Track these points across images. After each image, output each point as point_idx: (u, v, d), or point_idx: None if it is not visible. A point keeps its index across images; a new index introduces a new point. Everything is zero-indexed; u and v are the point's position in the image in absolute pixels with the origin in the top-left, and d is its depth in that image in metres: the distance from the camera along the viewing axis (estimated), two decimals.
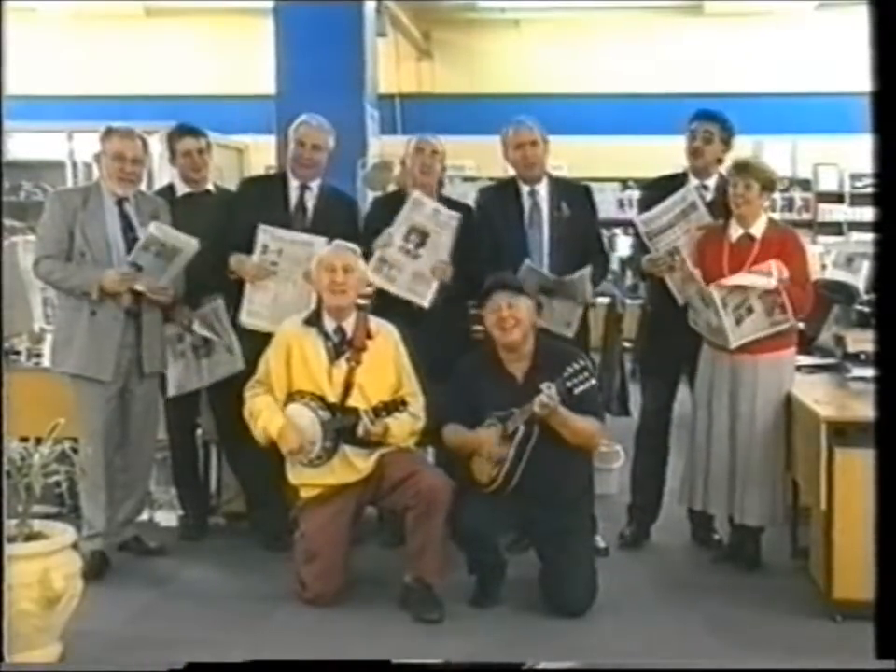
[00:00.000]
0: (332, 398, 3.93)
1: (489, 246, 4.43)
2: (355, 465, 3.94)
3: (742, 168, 4.17)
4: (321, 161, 4.59)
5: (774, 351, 4.19)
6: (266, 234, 4.41)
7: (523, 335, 3.95)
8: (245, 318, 4.46)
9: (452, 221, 4.42)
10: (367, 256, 4.27)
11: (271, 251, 4.41)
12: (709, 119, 4.53)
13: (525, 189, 4.49)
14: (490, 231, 4.48)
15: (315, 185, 4.60)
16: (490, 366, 4.01)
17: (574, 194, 4.57)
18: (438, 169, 4.59)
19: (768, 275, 4.08)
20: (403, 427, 3.97)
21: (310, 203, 4.58)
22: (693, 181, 4.53)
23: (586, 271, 4.31)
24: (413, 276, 4.42)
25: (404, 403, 3.97)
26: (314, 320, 4.05)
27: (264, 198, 4.59)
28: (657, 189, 4.59)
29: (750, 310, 4.13)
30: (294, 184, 4.59)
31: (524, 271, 4.28)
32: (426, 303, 4.41)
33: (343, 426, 3.90)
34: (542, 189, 4.49)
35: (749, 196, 4.15)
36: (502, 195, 4.60)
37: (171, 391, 4.57)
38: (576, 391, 3.78)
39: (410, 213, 4.41)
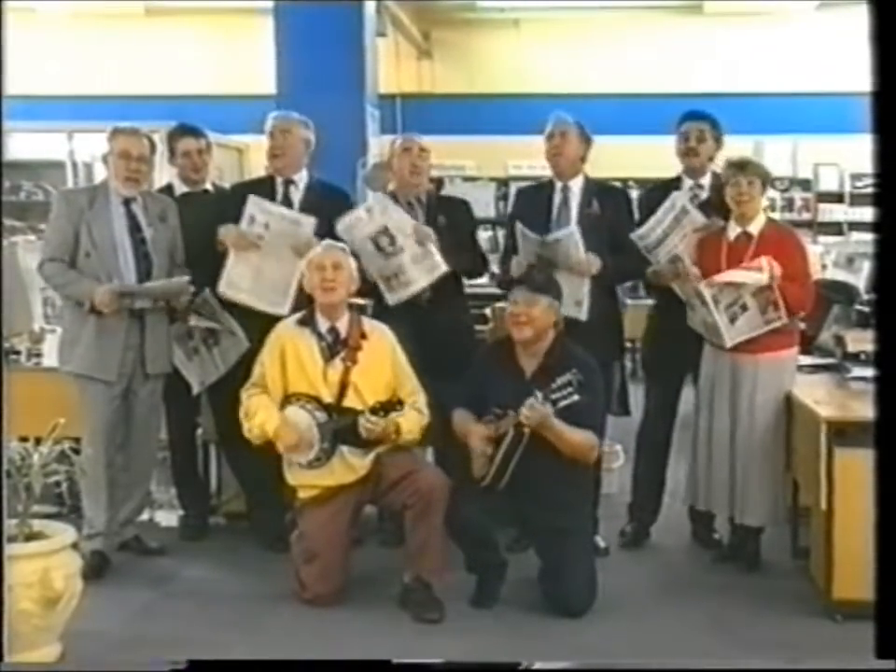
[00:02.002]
0: (328, 398, 3.93)
1: (513, 238, 4.46)
2: (353, 465, 3.93)
3: (742, 166, 4.16)
4: (293, 148, 4.55)
5: (775, 351, 4.19)
6: (255, 206, 4.39)
7: (535, 334, 3.95)
8: (224, 288, 4.39)
9: (386, 202, 4.44)
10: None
11: (258, 223, 4.38)
12: (699, 119, 4.56)
13: (558, 185, 4.50)
14: (516, 223, 4.46)
15: (298, 179, 4.59)
16: (503, 358, 4.03)
17: (609, 195, 4.56)
18: (427, 168, 4.58)
19: (759, 271, 4.07)
20: (412, 422, 3.96)
21: (295, 197, 4.57)
22: (688, 182, 4.55)
23: (573, 228, 4.28)
24: (413, 262, 4.40)
25: (401, 403, 3.95)
26: (307, 320, 4.05)
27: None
28: (653, 197, 4.57)
29: (744, 308, 4.12)
30: (279, 180, 4.58)
31: (518, 235, 4.31)
32: (443, 268, 4.39)
33: (339, 427, 3.90)
34: (575, 186, 4.49)
35: (753, 193, 4.16)
36: (536, 190, 4.62)
37: (195, 389, 4.54)
38: (559, 405, 3.77)
39: (353, 237, 4.38)
